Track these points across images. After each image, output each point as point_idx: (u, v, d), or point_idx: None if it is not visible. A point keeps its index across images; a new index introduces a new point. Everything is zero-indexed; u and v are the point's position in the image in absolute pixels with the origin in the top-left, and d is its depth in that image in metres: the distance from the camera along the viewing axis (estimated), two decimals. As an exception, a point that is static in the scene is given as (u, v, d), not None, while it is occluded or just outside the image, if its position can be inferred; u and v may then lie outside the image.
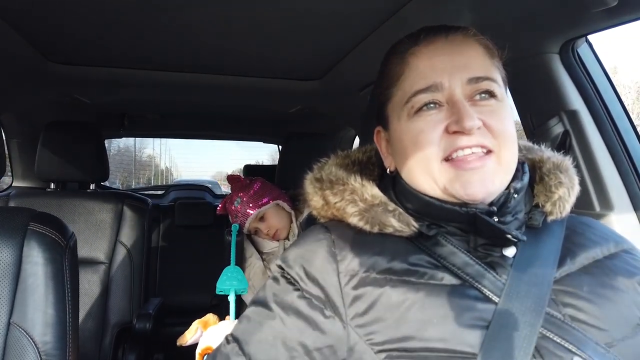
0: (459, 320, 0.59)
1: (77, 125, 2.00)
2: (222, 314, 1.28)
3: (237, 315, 1.26)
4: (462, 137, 0.62)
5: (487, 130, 0.62)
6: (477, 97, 0.64)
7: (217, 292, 1.43)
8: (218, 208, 1.91)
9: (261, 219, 1.78)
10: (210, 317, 1.20)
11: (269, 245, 1.82)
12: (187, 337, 1.18)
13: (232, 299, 1.33)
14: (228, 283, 1.42)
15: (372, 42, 1.40)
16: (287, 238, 1.82)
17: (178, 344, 1.20)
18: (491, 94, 0.65)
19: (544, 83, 1.07)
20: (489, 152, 0.62)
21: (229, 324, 1.17)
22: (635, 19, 0.88)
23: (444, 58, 0.65)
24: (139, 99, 2.33)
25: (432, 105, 0.64)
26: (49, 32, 1.41)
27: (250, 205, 1.77)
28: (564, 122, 1.08)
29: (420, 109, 0.65)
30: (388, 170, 0.75)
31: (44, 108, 2.19)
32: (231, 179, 1.88)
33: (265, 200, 1.79)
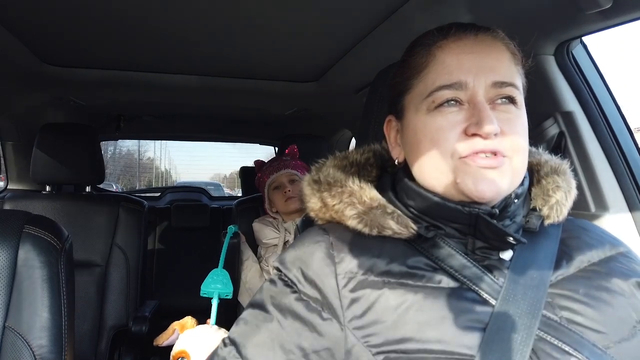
0: (457, 322, 0.59)
1: (72, 128, 1.99)
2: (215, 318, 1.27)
3: (229, 320, 1.25)
4: (479, 141, 0.61)
5: (504, 137, 0.62)
6: (499, 101, 0.64)
7: (202, 294, 1.42)
8: (257, 160, 2.03)
9: (291, 181, 1.85)
10: (189, 320, 1.20)
11: (270, 234, 1.85)
12: (163, 339, 1.18)
13: (214, 302, 1.32)
14: (212, 286, 1.41)
15: (368, 43, 1.40)
16: (287, 231, 1.84)
17: (154, 344, 1.20)
18: (512, 100, 0.64)
19: (539, 84, 1.08)
20: (503, 156, 0.62)
21: (207, 328, 1.16)
22: (629, 20, 0.89)
23: (472, 57, 0.64)
24: (135, 101, 2.32)
25: (453, 102, 0.63)
26: (44, 34, 1.40)
27: (295, 165, 1.89)
28: (560, 123, 1.09)
29: (440, 105, 0.64)
30: (396, 161, 0.74)
31: (39, 110, 2.18)
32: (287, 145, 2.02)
33: (306, 173, 1.89)
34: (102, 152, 2.09)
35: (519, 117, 0.65)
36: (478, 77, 0.63)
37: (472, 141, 0.61)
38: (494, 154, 0.61)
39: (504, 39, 0.67)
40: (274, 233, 1.85)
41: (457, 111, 0.63)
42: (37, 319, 1.04)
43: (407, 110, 0.69)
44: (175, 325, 1.19)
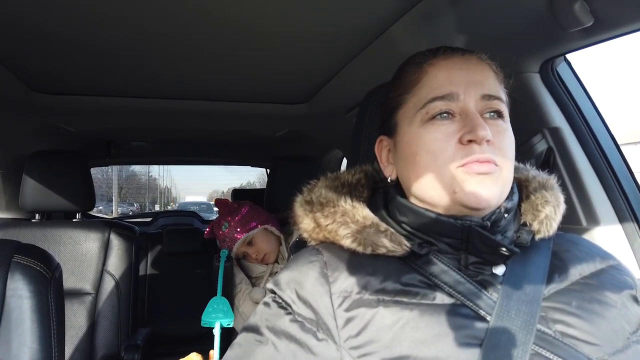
0: (453, 339, 0.59)
1: (62, 155, 1.98)
2: (210, 346, 1.23)
3: (223, 348, 1.21)
4: (475, 147, 0.63)
5: (495, 148, 0.64)
6: (487, 115, 0.66)
7: (202, 324, 1.39)
8: (205, 232, 1.89)
9: (249, 243, 1.77)
10: (194, 357, 1.15)
11: (257, 270, 1.81)
12: None
13: (217, 332, 1.28)
14: (213, 315, 1.38)
15: (358, 64, 1.42)
16: (276, 261, 1.81)
17: None
18: (499, 114, 0.67)
19: (526, 102, 1.10)
20: (495, 165, 0.64)
21: None
22: (610, 37, 0.91)
23: (461, 72, 0.67)
24: (125, 127, 2.32)
25: (445, 114, 0.65)
26: (32, 62, 1.41)
27: (238, 229, 1.75)
28: (547, 139, 1.10)
29: (433, 117, 0.66)
30: (389, 179, 0.75)
31: (28, 138, 2.17)
32: (219, 202, 1.87)
33: (253, 224, 1.77)
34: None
35: (507, 130, 0.67)
36: (468, 89, 0.65)
37: (468, 149, 0.63)
38: (488, 162, 0.63)
39: (487, 60, 0.71)
40: (261, 268, 1.82)
41: (449, 123, 0.65)
42: (26, 350, 1.02)
43: (400, 125, 0.71)
44: None
